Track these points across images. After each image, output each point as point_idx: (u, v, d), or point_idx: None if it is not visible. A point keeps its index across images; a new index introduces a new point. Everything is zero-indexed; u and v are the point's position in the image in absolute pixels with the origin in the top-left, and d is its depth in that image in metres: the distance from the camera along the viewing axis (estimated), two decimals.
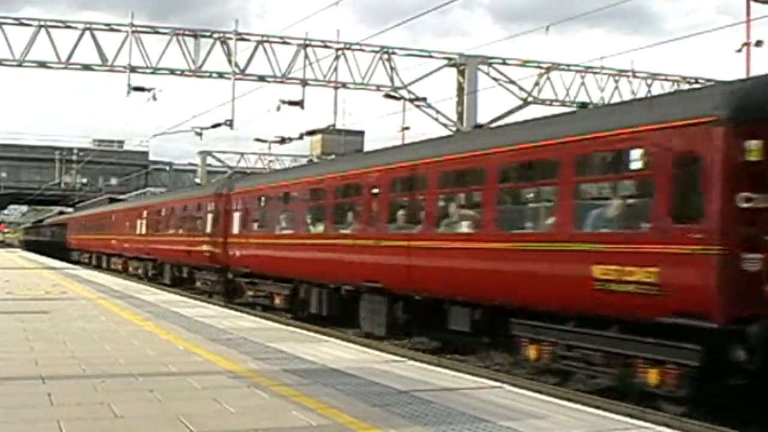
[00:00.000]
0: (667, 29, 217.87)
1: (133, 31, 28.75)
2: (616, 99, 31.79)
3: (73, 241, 56.02)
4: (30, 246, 77.87)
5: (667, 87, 33.55)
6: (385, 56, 31.12)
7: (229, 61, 29.52)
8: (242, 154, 60.81)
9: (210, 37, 29.74)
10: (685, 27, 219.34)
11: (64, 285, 22.59)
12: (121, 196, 55.91)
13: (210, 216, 26.26)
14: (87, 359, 8.89)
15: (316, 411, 6.45)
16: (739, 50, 21.94)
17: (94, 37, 28.65)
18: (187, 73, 29.66)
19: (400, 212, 15.15)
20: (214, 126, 32.15)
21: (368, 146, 36.72)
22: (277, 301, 20.30)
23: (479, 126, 22.63)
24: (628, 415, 7.78)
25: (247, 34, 30.19)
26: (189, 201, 30.13)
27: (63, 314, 14.04)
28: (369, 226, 15.81)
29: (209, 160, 57.21)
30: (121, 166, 72.19)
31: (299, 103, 30.00)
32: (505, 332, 11.98)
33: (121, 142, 74.69)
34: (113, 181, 73.50)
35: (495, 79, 32.33)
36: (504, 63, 32.70)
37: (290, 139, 37.07)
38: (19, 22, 28.59)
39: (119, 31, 28.98)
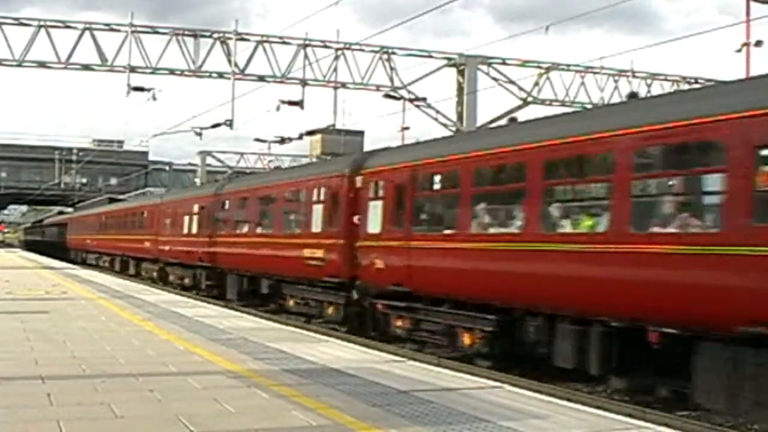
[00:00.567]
0: (667, 29, 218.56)
1: (132, 31, 28.71)
2: (616, 99, 31.70)
3: (88, 241, 50.52)
4: (31, 246, 77.79)
5: (667, 87, 33.51)
6: (385, 56, 31.08)
7: (229, 61, 29.49)
8: (242, 154, 60.86)
9: (210, 37, 29.70)
10: (685, 27, 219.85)
11: (64, 285, 22.60)
12: (121, 196, 55.89)
13: (319, 208, 18.76)
14: (87, 359, 8.91)
15: (316, 411, 6.45)
16: (739, 50, 21.95)
17: (93, 37, 28.62)
18: (186, 73, 29.62)
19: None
20: (214, 126, 32.13)
21: (368, 146, 36.69)
22: (467, 340, 13.32)
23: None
24: (628, 415, 7.80)
25: (247, 34, 30.18)
26: (277, 187, 22.18)
27: (63, 314, 14.05)
28: None
29: (209, 160, 57.22)
30: (120, 166, 72.15)
31: (299, 103, 29.95)
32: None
33: (120, 142, 74.82)
34: (113, 181, 73.47)
35: (495, 79, 32.31)
36: (504, 63, 32.67)
37: (290, 139, 37.06)
38: (19, 22, 28.54)
39: (119, 31, 28.94)
